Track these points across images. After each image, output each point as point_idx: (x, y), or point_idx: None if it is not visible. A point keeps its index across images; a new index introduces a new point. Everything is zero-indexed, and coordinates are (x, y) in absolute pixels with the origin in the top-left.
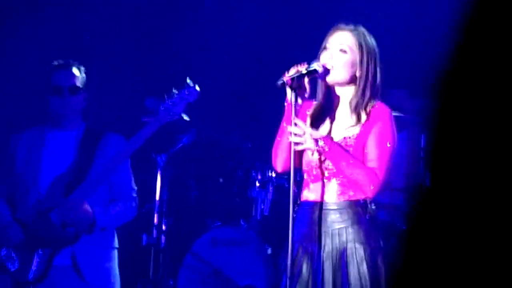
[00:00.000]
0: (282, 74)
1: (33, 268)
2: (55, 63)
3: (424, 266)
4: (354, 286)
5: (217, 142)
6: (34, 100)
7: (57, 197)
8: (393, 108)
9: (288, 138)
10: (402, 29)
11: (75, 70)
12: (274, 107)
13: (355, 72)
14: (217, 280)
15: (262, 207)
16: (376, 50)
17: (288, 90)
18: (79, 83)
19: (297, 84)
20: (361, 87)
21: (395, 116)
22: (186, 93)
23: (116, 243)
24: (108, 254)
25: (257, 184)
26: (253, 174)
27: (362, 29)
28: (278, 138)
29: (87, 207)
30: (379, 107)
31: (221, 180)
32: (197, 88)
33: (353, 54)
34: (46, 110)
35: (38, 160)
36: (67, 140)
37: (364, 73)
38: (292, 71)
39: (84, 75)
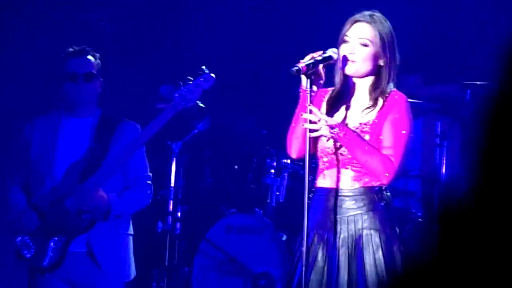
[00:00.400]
0: (298, 61)
1: (49, 254)
2: (70, 49)
3: (441, 253)
4: (370, 273)
5: (232, 129)
6: (49, 86)
7: (72, 184)
8: (407, 94)
9: (303, 125)
10: (416, 15)
11: (90, 57)
12: (289, 94)
13: (377, 63)
14: (232, 267)
15: (277, 194)
16: (393, 34)
17: (303, 77)
18: (94, 69)
19: (312, 71)
20: (384, 76)
21: (410, 103)
22: (202, 80)
23: (131, 230)
24: (124, 241)
25: (272, 171)
26: (268, 161)
27: (378, 16)
28: (293, 125)
29: (102, 194)
30: (395, 94)
31: (236, 167)
32: (213, 75)
33: (374, 47)
34: (61, 96)
35: (53, 147)
36: (82, 127)
37: (388, 62)
38: (307, 58)
39: (99, 61)
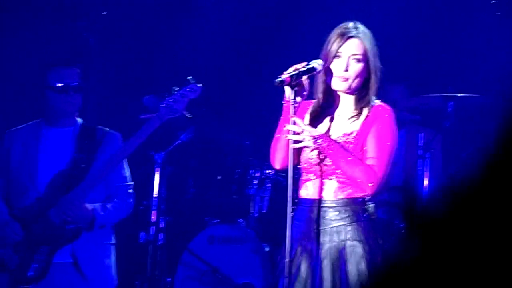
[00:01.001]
0: (282, 72)
1: (33, 265)
2: (57, 61)
3: (424, 264)
4: (353, 284)
5: (215, 140)
6: (29, 97)
7: (56, 194)
8: (393, 104)
9: (286, 136)
10: (398, 25)
11: (74, 69)
12: (273, 105)
13: (367, 76)
14: (215, 278)
15: (260, 204)
16: (376, 45)
17: (287, 88)
18: (77, 82)
19: (295, 82)
20: (370, 87)
21: (394, 114)
22: (188, 90)
23: (113, 239)
24: (107, 251)
25: (255, 182)
26: (251, 171)
27: (363, 28)
28: (276, 136)
29: (86, 204)
30: (379, 106)
31: (219, 177)
32: (199, 85)
33: (365, 62)
34: (42, 107)
35: (34, 157)
36: (64, 137)
37: (374, 76)
38: (291, 69)
39: (81, 74)
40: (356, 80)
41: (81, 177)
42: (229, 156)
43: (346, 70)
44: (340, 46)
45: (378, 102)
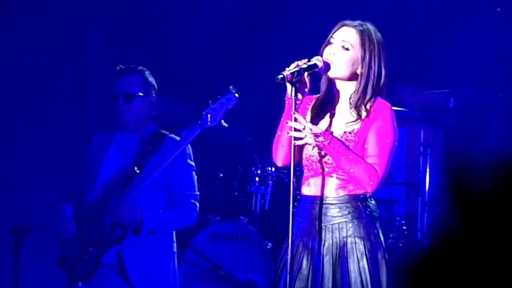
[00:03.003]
0: (283, 68)
1: (83, 264)
2: (117, 68)
3: (425, 261)
4: (354, 280)
5: (217, 137)
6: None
7: (110, 196)
8: (404, 103)
9: (288, 133)
10: (400, 21)
11: (134, 78)
12: (275, 102)
13: (356, 69)
14: (217, 275)
15: (262, 202)
16: (383, 48)
17: (288, 85)
18: (136, 89)
19: (297, 79)
20: (362, 85)
21: (395, 111)
22: (226, 99)
23: (173, 247)
24: (160, 257)
25: (257, 179)
26: (253, 169)
27: (369, 25)
28: (278, 133)
29: (135, 208)
30: (379, 103)
31: (221, 175)
32: (236, 94)
33: (355, 52)
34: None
35: (101, 159)
36: (132, 142)
37: (366, 71)
38: (292, 66)
39: (149, 81)
40: (342, 67)
41: (133, 180)
42: (230, 154)
43: (332, 54)
44: (334, 33)
45: (377, 99)
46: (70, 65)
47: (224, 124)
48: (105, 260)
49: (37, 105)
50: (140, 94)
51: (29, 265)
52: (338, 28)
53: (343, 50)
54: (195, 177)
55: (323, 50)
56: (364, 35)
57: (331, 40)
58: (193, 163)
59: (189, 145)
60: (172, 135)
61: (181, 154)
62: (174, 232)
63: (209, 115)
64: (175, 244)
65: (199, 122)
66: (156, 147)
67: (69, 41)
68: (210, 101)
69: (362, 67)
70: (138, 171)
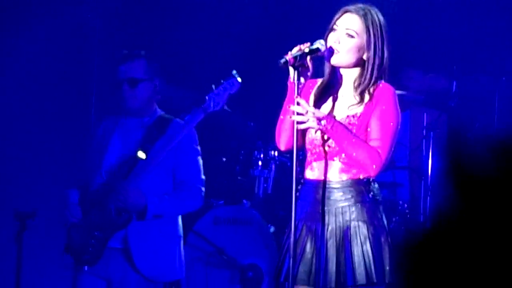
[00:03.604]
0: (286, 52)
1: (89, 248)
2: (121, 54)
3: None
4: (358, 264)
5: (219, 122)
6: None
7: (116, 181)
8: (406, 87)
9: (290, 117)
10: (403, 4)
11: (137, 61)
12: (277, 85)
13: (362, 56)
14: (220, 259)
15: (265, 185)
16: (385, 31)
17: (291, 69)
18: (140, 74)
19: (299, 63)
20: (368, 70)
21: (398, 95)
22: (229, 83)
23: (179, 232)
24: (165, 242)
25: (260, 163)
26: (256, 153)
27: (370, 9)
28: (281, 117)
29: (140, 193)
30: (382, 86)
31: (224, 159)
32: (239, 79)
33: (360, 39)
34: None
35: (106, 145)
36: (137, 126)
37: (372, 56)
38: (295, 50)
39: (153, 66)
40: (348, 56)
41: (138, 165)
42: (233, 138)
43: (337, 43)
44: (337, 20)
45: (380, 82)
46: (72, 51)
47: (227, 109)
48: (110, 244)
49: (41, 91)
50: (145, 78)
51: (33, 250)
52: (341, 15)
53: (348, 37)
54: (201, 162)
55: (326, 37)
56: (367, 20)
57: (335, 27)
58: (199, 148)
59: (194, 130)
60: (178, 120)
61: (187, 139)
62: (180, 217)
63: (212, 100)
64: (180, 229)
65: (202, 106)
66: (161, 131)
67: (71, 28)
68: (213, 86)
69: (367, 53)
70: (143, 156)
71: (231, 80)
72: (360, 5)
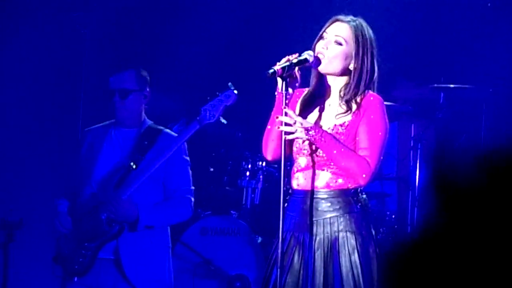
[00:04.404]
0: (274, 63)
1: (80, 259)
2: (112, 64)
3: (417, 256)
4: (346, 275)
5: (207, 132)
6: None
7: (107, 191)
8: (394, 98)
9: (278, 128)
10: (391, 16)
11: (128, 73)
12: (265, 96)
13: (349, 64)
14: (207, 270)
15: (252, 196)
16: (374, 43)
17: (279, 80)
18: (132, 85)
19: (287, 73)
20: (354, 80)
21: (386, 106)
22: (225, 96)
23: (169, 242)
24: (156, 252)
25: (247, 173)
26: (243, 163)
27: (361, 21)
28: (268, 127)
29: (132, 204)
30: (370, 96)
31: (211, 169)
32: (235, 91)
33: (348, 47)
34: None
35: (96, 155)
36: (127, 137)
37: (359, 66)
38: (283, 61)
39: (143, 76)
40: (334, 62)
41: (130, 175)
42: (221, 148)
43: (325, 49)
44: (326, 28)
45: (368, 92)
46: (60, 61)
47: (223, 121)
48: (101, 255)
49: (29, 99)
50: (135, 89)
51: (20, 260)
52: (331, 23)
53: (336, 45)
54: (190, 172)
55: (315, 45)
56: (357, 30)
57: (324, 35)
58: (188, 158)
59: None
60: (168, 130)
61: (177, 149)
62: (168, 227)
63: (207, 112)
64: (170, 239)
65: (197, 118)
66: (152, 142)
67: (61, 37)
68: (208, 98)
69: (355, 63)
70: (134, 167)
71: (227, 92)
72: (351, 16)
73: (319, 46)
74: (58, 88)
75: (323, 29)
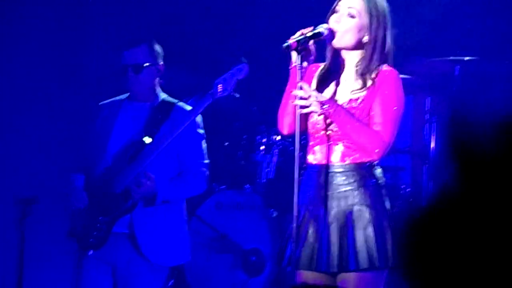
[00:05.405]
0: (289, 37)
1: (94, 233)
2: (126, 39)
3: (431, 230)
4: (360, 248)
5: (222, 106)
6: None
7: (121, 165)
8: (409, 71)
9: (293, 101)
10: None
11: (141, 48)
12: (280, 70)
13: (362, 37)
14: (222, 244)
15: (267, 170)
16: (387, 15)
17: (294, 53)
18: (144, 60)
19: (302, 47)
20: (368, 52)
21: (402, 79)
22: (237, 69)
23: (183, 215)
24: (171, 226)
25: (262, 147)
26: (258, 137)
27: None
28: (283, 101)
29: (151, 179)
30: (386, 70)
31: (226, 144)
32: (247, 65)
33: (361, 19)
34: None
35: (110, 129)
36: (140, 110)
37: (373, 39)
38: (298, 34)
39: (156, 50)
40: (347, 36)
41: (144, 149)
42: (236, 122)
43: (338, 22)
44: (339, 1)
45: (384, 67)
46: (73, 39)
47: (236, 95)
48: (116, 229)
49: (41, 75)
50: (148, 64)
51: (35, 235)
52: None
53: (349, 17)
54: (205, 145)
55: (328, 19)
56: (370, 2)
57: (337, 8)
58: (203, 131)
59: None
60: (181, 104)
61: (191, 123)
62: (184, 200)
63: (220, 86)
64: (185, 212)
65: (210, 92)
66: (165, 115)
67: (71, 12)
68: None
69: (368, 35)
70: (148, 141)
71: (239, 66)
72: None
73: (332, 19)
74: (71, 64)
75: (336, 2)
